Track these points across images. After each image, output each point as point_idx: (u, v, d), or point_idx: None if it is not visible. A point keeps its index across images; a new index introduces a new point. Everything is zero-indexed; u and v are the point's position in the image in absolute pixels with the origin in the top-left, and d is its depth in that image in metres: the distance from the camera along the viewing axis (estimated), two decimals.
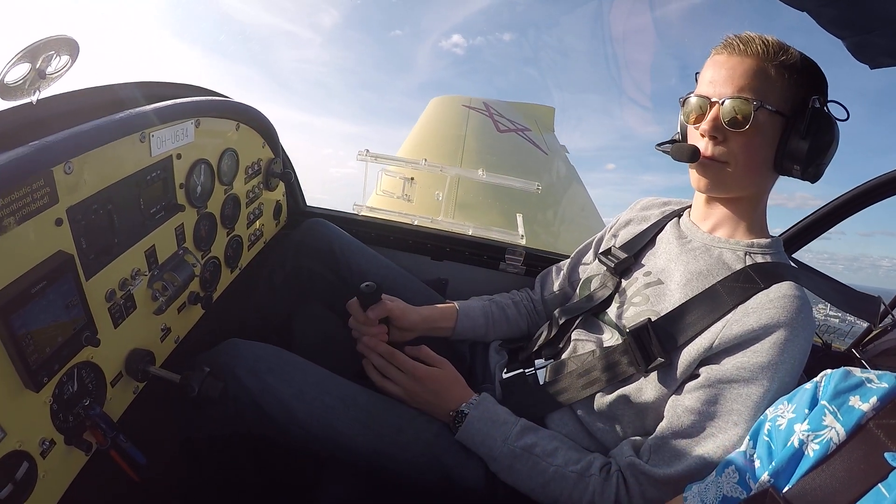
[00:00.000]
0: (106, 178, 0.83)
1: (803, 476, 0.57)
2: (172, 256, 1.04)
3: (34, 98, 0.77)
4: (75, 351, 0.78)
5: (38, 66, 0.74)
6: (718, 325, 0.89)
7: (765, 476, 0.60)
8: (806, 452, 0.58)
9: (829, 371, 0.64)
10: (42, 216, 0.70)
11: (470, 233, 1.77)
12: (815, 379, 0.65)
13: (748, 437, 0.69)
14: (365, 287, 1.12)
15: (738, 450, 0.68)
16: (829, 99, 0.93)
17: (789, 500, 0.55)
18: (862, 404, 0.57)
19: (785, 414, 0.65)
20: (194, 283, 1.13)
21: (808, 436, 0.58)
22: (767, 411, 0.70)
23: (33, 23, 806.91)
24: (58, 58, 0.77)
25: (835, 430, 0.57)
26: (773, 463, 0.60)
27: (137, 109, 0.89)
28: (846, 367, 0.63)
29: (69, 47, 0.78)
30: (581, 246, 1.40)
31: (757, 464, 0.64)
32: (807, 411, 0.61)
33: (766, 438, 0.65)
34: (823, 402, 0.60)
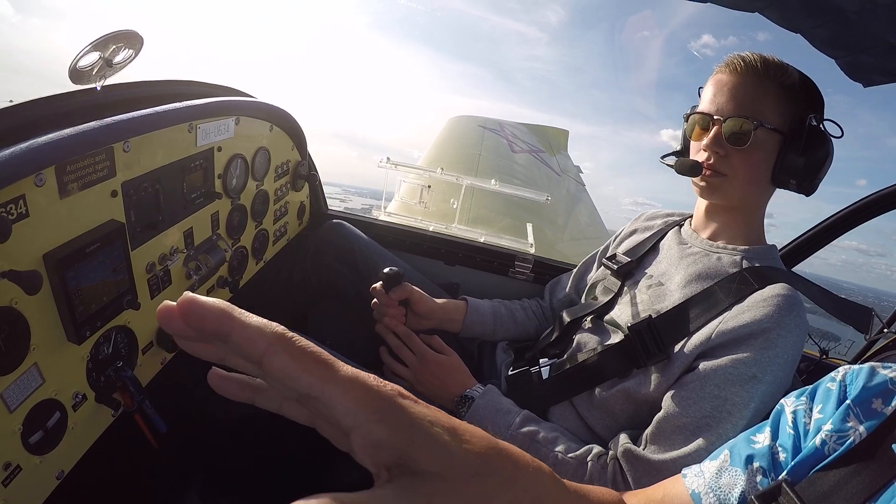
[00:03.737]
0: (157, 160, 0.91)
1: (817, 472, 0.57)
2: (207, 240, 1.12)
3: (99, 84, 0.86)
4: (116, 312, 0.85)
5: (106, 55, 0.83)
6: (715, 321, 0.93)
7: (783, 473, 0.60)
8: (827, 452, 0.57)
9: (851, 367, 0.64)
10: (100, 186, 0.78)
11: (482, 240, 1.84)
12: (835, 377, 0.64)
13: (769, 431, 0.67)
14: (389, 270, 1.23)
15: (763, 444, 0.66)
16: (825, 117, 0.98)
17: (800, 495, 0.55)
18: (886, 408, 0.57)
19: (812, 413, 0.64)
20: (223, 267, 1.21)
21: (831, 436, 0.58)
22: (785, 402, 0.68)
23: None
24: (125, 50, 0.86)
25: (858, 431, 0.57)
26: (794, 461, 0.60)
27: (188, 102, 0.97)
28: (872, 364, 0.63)
29: (135, 41, 0.87)
30: (588, 256, 1.46)
31: (781, 456, 0.64)
32: (834, 411, 0.61)
33: (791, 431, 0.64)
34: (849, 402, 0.60)
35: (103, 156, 0.78)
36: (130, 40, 0.86)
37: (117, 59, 0.85)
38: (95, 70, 0.84)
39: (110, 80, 0.88)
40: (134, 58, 0.89)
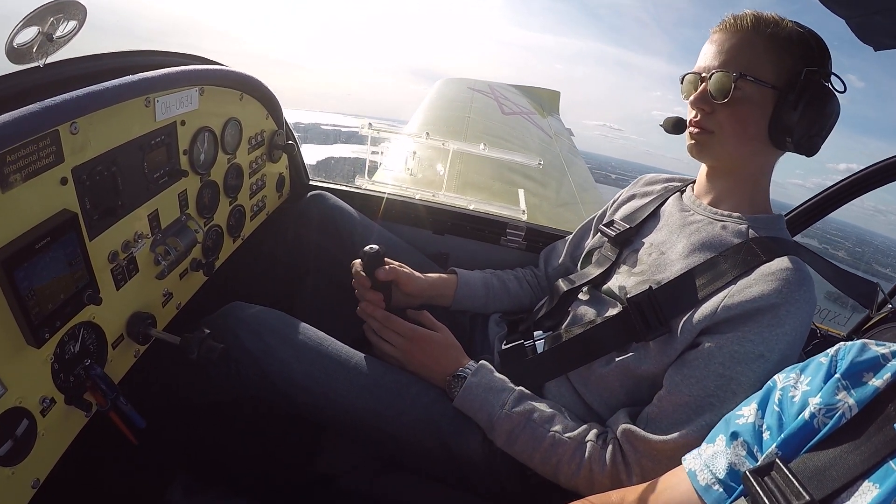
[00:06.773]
0: (111, 141, 0.84)
1: (811, 449, 0.56)
2: (175, 222, 1.05)
3: (41, 62, 0.78)
4: (77, 309, 0.80)
5: (45, 29, 0.75)
6: (720, 295, 0.89)
7: (773, 448, 0.59)
8: (816, 426, 0.57)
9: (844, 344, 0.63)
10: (47, 174, 0.72)
11: (471, 207, 1.78)
12: (829, 352, 0.63)
13: (756, 406, 0.68)
14: (369, 249, 1.16)
15: (747, 420, 0.67)
16: (831, 72, 0.92)
17: (795, 473, 0.54)
18: (876, 380, 0.56)
19: (799, 386, 0.63)
20: (196, 249, 1.14)
21: (820, 409, 0.57)
22: (777, 378, 0.68)
23: None
24: (65, 22, 0.78)
25: (847, 404, 0.56)
26: (783, 434, 0.59)
27: (143, 74, 0.89)
28: (864, 341, 0.62)
29: (77, 11, 0.79)
30: (584, 222, 1.41)
31: (766, 435, 0.63)
32: (822, 385, 0.60)
33: (777, 409, 0.64)
34: (837, 376, 0.59)
35: (48, 140, 0.70)
36: (70, 10, 0.78)
37: (58, 33, 0.77)
38: (36, 47, 0.76)
39: (56, 57, 0.80)
40: (78, 29, 0.81)
